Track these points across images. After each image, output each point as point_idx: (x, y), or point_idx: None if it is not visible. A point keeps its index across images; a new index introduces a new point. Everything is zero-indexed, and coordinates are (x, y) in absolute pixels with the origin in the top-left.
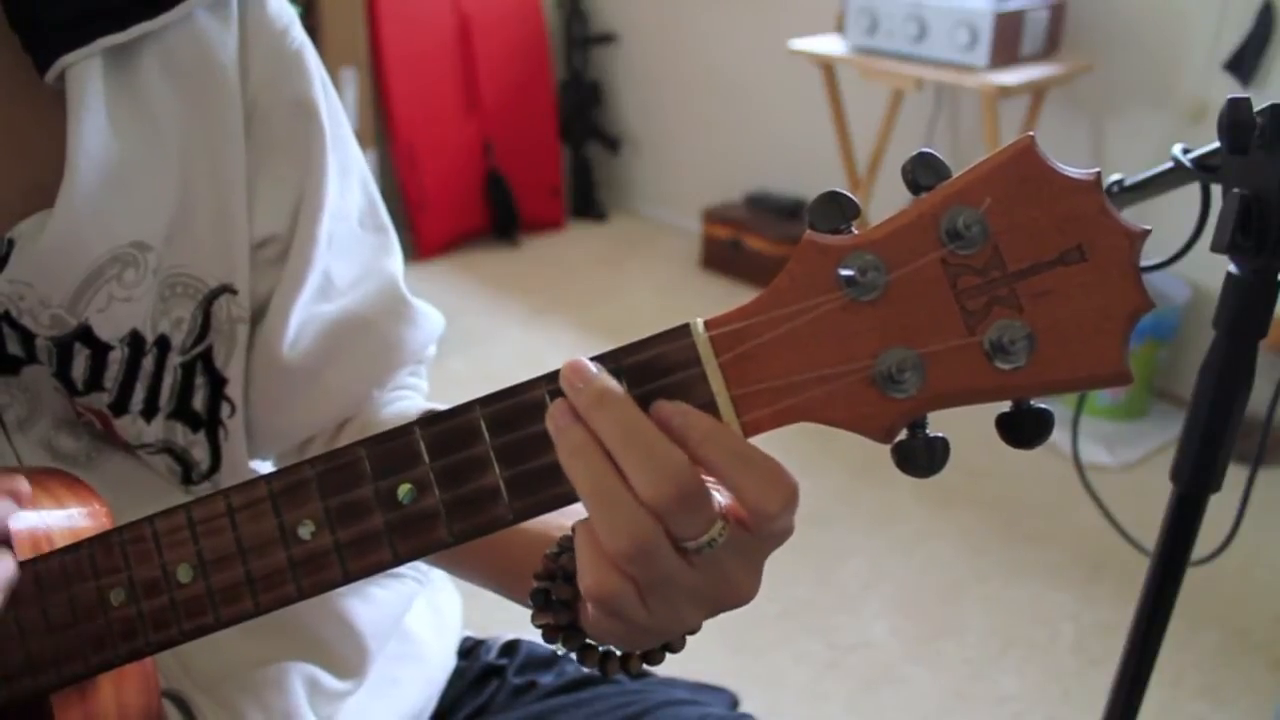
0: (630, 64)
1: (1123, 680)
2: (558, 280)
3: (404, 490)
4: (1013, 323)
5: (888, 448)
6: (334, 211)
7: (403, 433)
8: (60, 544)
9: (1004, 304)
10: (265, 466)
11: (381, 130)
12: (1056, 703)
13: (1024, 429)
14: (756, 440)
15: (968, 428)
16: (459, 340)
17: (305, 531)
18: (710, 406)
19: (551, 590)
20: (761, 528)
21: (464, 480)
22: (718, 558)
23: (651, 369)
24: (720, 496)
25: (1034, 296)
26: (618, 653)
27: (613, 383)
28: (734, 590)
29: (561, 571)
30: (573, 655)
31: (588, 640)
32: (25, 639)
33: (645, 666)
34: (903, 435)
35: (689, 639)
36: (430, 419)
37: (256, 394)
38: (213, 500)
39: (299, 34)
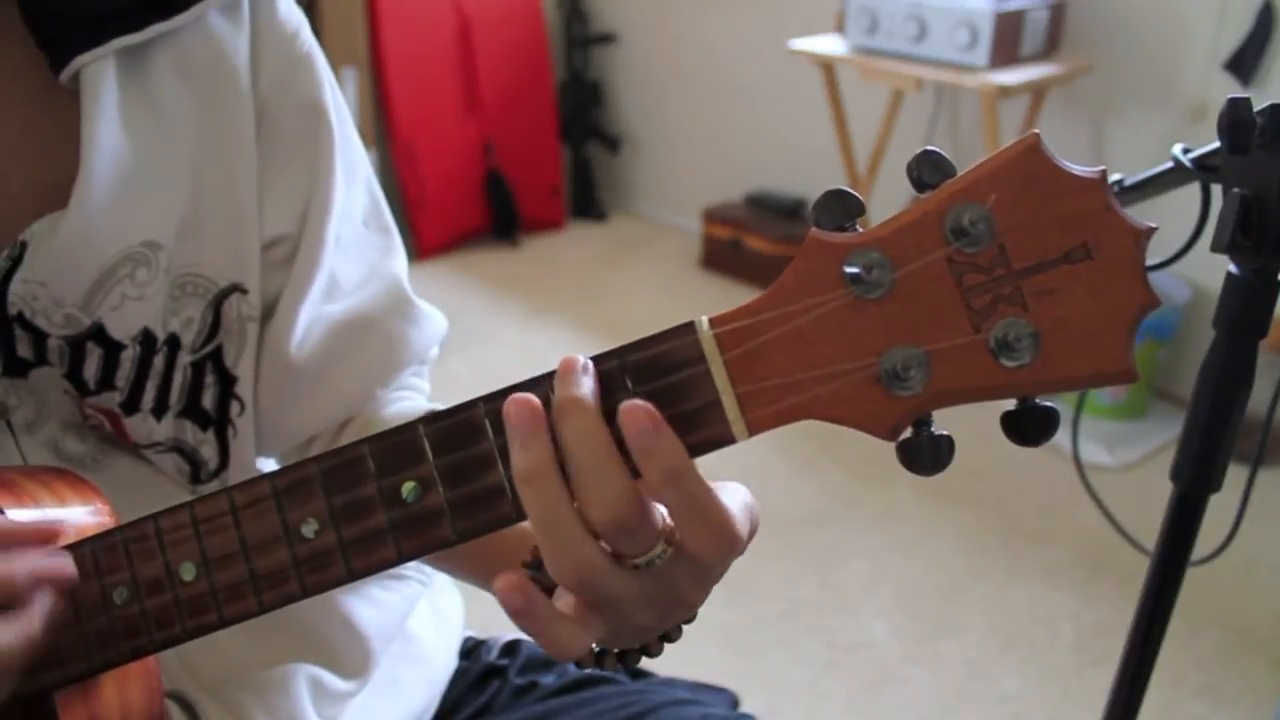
0: (630, 64)
1: (1123, 680)
2: (558, 280)
3: (408, 488)
4: (1018, 321)
5: (888, 448)
6: (341, 212)
7: (406, 430)
8: (64, 543)
9: (1009, 302)
10: (270, 465)
11: (381, 130)
12: (1056, 703)
13: (1029, 427)
14: (758, 439)
15: (968, 428)
16: (459, 340)
17: (309, 530)
18: (715, 404)
19: (538, 579)
20: (698, 566)
21: (468, 478)
22: (663, 571)
23: (656, 367)
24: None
25: (1039, 295)
26: (594, 648)
27: (588, 392)
28: (680, 600)
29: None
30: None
31: None
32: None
33: (635, 666)
34: (907, 433)
35: (688, 639)
36: (434, 416)
37: (263, 393)
38: (216, 498)
39: (308, 37)
